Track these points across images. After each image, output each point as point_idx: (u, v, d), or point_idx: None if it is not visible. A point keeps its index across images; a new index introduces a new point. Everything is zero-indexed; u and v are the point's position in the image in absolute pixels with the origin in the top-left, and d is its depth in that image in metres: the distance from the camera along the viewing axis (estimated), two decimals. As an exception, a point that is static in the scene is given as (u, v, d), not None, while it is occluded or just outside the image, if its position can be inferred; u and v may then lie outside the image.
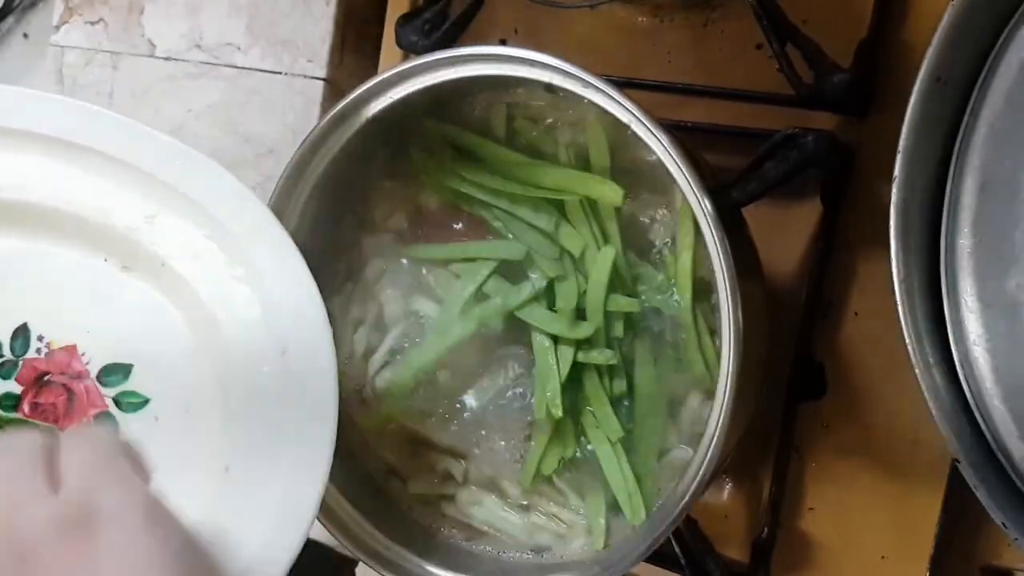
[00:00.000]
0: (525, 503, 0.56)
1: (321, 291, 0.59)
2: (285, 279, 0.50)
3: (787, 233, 0.60)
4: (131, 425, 0.54)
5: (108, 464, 0.41)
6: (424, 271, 0.58)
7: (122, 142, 0.50)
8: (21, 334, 0.54)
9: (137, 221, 0.52)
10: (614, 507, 0.53)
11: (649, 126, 0.46)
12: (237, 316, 0.51)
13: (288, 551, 0.48)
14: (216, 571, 0.42)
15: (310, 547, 0.50)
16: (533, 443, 0.55)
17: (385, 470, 0.59)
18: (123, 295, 0.53)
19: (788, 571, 0.60)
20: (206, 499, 0.51)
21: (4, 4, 0.91)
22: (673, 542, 0.57)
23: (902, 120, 0.43)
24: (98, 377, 0.54)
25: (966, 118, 0.45)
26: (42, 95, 0.51)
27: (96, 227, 0.52)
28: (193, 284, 0.51)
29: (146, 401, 0.54)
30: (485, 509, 0.56)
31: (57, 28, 0.84)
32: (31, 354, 0.54)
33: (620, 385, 0.53)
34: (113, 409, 0.54)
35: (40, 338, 0.54)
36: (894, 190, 0.44)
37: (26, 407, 0.54)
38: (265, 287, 0.50)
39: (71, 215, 0.52)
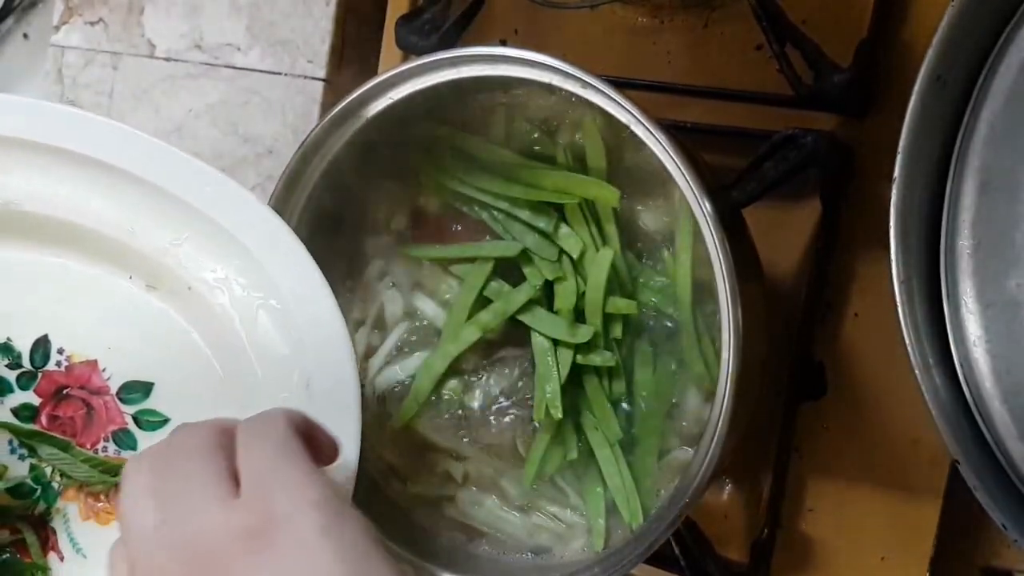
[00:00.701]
0: (525, 504, 0.56)
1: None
2: (313, 313, 0.49)
3: (787, 233, 0.60)
4: (150, 443, 0.53)
5: (285, 459, 0.37)
6: (424, 271, 0.58)
7: (155, 165, 0.50)
8: (41, 346, 0.54)
9: (164, 244, 0.51)
10: (614, 508, 0.53)
11: (648, 126, 0.46)
12: (262, 346, 0.50)
13: None
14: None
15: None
16: (533, 444, 0.55)
17: (385, 470, 0.59)
18: (147, 314, 0.53)
19: (788, 571, 0.60)
20: None
21: (4, 4, 0.91)
22: (673, 543, 0.57)
23: (902, 120, 0.43)
24: (118, 394, 0.54)
25: (966, 118, 0.45)
26: (76, 113, 0.51)
27: (122, 247, 0.52)
28: (218, 310, 0.51)
29: (166, 420, 0.54)
30: (485, 510, 0.56)
31: (57, 28, 0.84)
32: (51, 367, 0.54)
33: (620, 386, 0.53)
34: (132, 427, 0.54)
35: (60, 351, 0.54)
36: (894, 190, 0.43)
37: (44, 419, 0.54)
38: (293, 320, 0.49)
39: (97, 233, 0.52)
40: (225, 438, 0.38)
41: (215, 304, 0.51)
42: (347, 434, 0.48)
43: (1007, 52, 0.45)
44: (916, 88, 0.43)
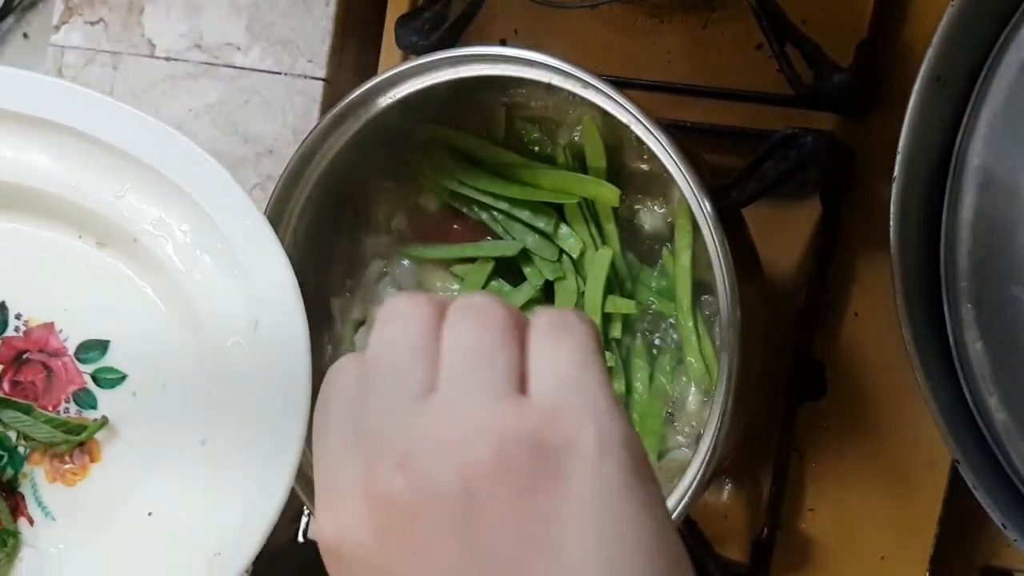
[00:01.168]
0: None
1: (322, 291, 0.59)
2: (257, 252, 0.49)
3: (787, 233, 0.60)
4: (109, 401, 0.54)
5: (592, 375, 0.29)
6: (425, 271, 0.58)
7: (89, 116, 0.50)
8: (0, 313, 0.54)
9: (108, 197, 0.51)
10: (614, 507, 0.53)
11: (648, 126, 0.46)
12: (209, 291, 0.51)
13: (265, 519, 0.48)
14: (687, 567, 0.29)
15: (310, 547, 0.50)
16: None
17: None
18: (98, 272, 0.54)
19: (788, 571, 0.60)
20: (184, 473, 0.51)
21: (4, 4, 0.91)
22: (673, 542, 0.56)
23: (902, 120, 0.43)
24: (76, 354, 0.54)
25: (966, 118, 0.45)
26: (6, 70, 0.51)
27: (68, 204, 0.52)
28: (164, 260, 0.51)
29: (123, 377, 0.54)
30: (485, 509, 0.56)
31: (57, 28, 0.84)
32: (9, 332, 0.54)
33: (619, 386, 0.53)
34: (91, 385, 0.54)
35: (18, 316, 0.54)
36: (894, 190, 0.44)
37: (6, 385, 0.55)
38: (237, 261, 0.50)
39: (43, 192, 0.52)
40: (520, 327, 0.31)
41: (161, 253, 0.51)
42: (298, 370, 0.48)
43: (1007, 52, 0.45)
44: (916, 88, 0.43)
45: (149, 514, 0.52)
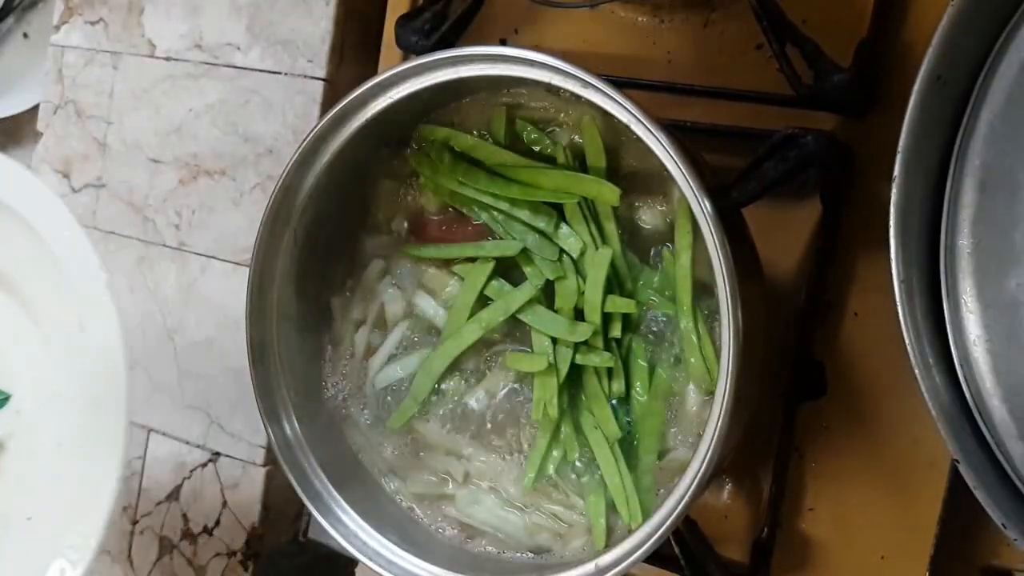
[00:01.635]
0: (525, 503, 0.56)
1: (322, 291, 0.59)
2: (77, 261, 0.52)
3: (787, 233, 0.60)
4: (2, 421, 0.57)
5: None
6: (425, 271, 0.58)
7: None
8: None
9: None
10: (615, 507, 0.53)
11: (649, 126, 0.46)
12: (50, 305, 0.54)
13: (104, 509, 0.51)
14: None
15: (310, 547, 0.50)
16: (534, 444, 0.55)
17: (385, 469, 0.59)
18: None
19: (788, 571, 0.60)
20: (47, 477, 0.55)
21: (4, 4, 0.91)
22: (673, 543, 0.57)
23: (902, 120, 0.43)
24: None
25: (966, 118, 0.45)
26: None
27: None
28: (18, 277, 0.55)
29: (7, 397, 0.57)
30: (485, 509, 0.56)
31: (57, 28, 0.84)
32: None
33: (619, 386, 0.53)
34: None
35: None
36: (894, 190, 0.44)
37: None
38: (64, 273, 0.53)
39: None
40: None
41: (13, 272, 0.55)
42: (116, 369, 0.51)
43: (1007, 52, 0.45)
44: (916, 88, 0.43)
45: (29, 519, 0.56)
